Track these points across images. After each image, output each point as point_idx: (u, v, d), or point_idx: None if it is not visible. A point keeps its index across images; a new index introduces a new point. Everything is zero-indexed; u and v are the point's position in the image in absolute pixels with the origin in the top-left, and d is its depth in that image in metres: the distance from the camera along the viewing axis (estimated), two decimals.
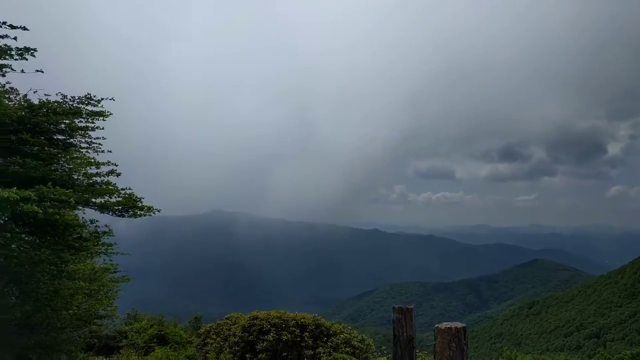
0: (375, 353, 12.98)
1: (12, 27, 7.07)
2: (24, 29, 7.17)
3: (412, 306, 3.00)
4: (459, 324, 2.73)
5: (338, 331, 12.33)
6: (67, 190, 7.09)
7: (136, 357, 12.69)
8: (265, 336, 11.52)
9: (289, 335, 11.47)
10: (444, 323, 2.66)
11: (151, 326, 15.45)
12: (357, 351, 11.60)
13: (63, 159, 8.68)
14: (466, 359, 2.64)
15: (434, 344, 2.74)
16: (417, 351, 12.98)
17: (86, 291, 10.31)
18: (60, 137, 8.73)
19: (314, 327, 12.01)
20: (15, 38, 7.20)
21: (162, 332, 15.34)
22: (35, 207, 6.11)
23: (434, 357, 2.69)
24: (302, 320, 12.10)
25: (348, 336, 12.08)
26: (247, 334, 12.05)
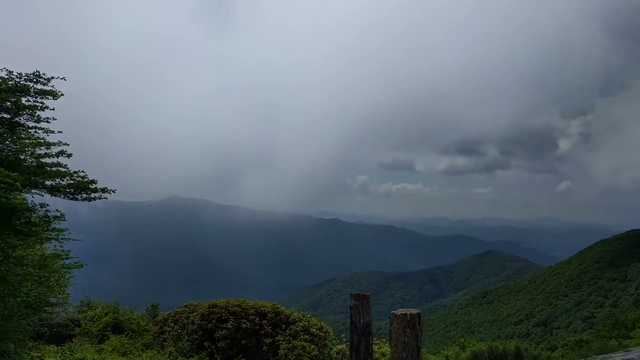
0: (334, 340, 13.13)
1: None
2: None
3: (369, 293, 3.04)
4: (414, 311, 2.81)
5: (297, 319, 12.39)
6: (13, 172, 6.71)
7: (90, 345, 12.31)
8: (224, 324, 11.45)
9: (248, 324, 11.43)
10: (400, 310, 2.77)
11: (106, 314, 14.98)
12: (316, 339, 11.70)
13: (9, 139, 8.19)
14: (420, 343, 2.66)
15: (390, 330, 2.81)
16: (376, 339, 13.20)
17: (35, 278, 9.85)
18: (5, 115, 8.23)
19: (273, 315, 12.03)
20: None
21: (117, 320, 14.92)
22: None
23: (390, 343, 2.71)
24: (261, 308, 12.08)
25: (307, 324, 12.16)
26: (205, 322, 11.93)
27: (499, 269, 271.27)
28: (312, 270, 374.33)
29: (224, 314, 11.77)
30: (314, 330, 12.00)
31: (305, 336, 11.56)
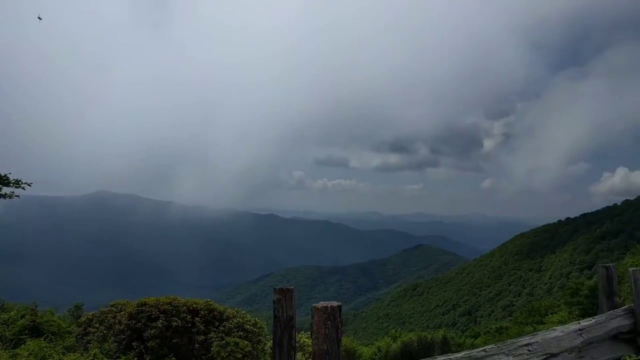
0: (268, 336, 13.09)
1: None
2: None
3: (292, 287, 2.97)
4: (335, 303, 2.80)
5: (231, 315, 12.20)
6: None
7: (3, 351, 11.41)
8: (154, 323, 11.02)
9: (179, 321, 11.09)
10: (321, 302, 2.79)
11: (22, 316, 13.92)
12: (250, 335, 11.59)
13: None
14: (341, 335, 2.74)
15: (311, 322, 2.82)
16: (302, 332, 13.38)
17: None
18: None
19: (206, 312, 11.76)
20: None
21: (35, 323, 13.91)
22: None
23: (311, 335, 2.76)
24: (194, 305, 11.76)
25: (241, 320, 12.00)
26: (134, 322, 11.42)
27: (429, 262, 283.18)
28: (248, 266, 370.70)
29: (154, 313, 11.32)
30: (248, 326, 11.88)
31: (239, 332, 11.41)
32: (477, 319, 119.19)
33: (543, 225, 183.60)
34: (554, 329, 3.52)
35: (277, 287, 3.04)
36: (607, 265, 4.26)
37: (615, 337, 4.03)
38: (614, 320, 4.00)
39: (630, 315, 4.13)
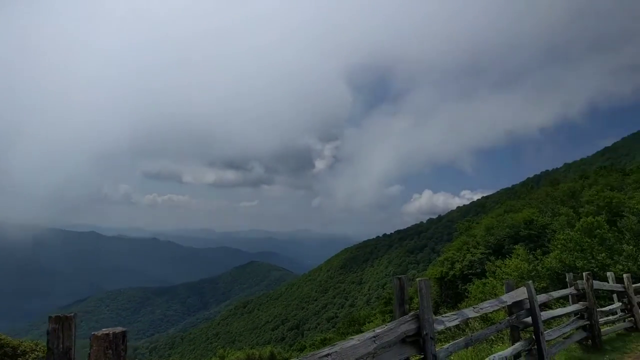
0: None
1: None
2: None
3: (72, 314, 2.62)
4: (119, 329, 2.51)
5: (28, 350, 10.61)
6: None
7: None
8: None
9: None
10: (103, 330, 2.53)
11: None
12: None
13: None
14: None
15: (89, 353, 2.53)
16: None
17: None
18: None
19: None
20: None
21: None
22: None
23: None
24: None
25: (41, 354, 10.51)
26: None
27: (261, 279, 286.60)
28: (60, 290, 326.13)
29: None
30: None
31: None
32: (304, 332, 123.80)
33: (364, 241, 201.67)
34: (352, 338, 3.88)
35: (52, 315, 2.72)
36: (399, 276, 4.86)
37: (404, 340, 4.61)
38: (403, 325, 4.57)
39: (416, 320, 4.77)
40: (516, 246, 30.34)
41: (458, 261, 39.06)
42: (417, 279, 5.01)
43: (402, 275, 4.91)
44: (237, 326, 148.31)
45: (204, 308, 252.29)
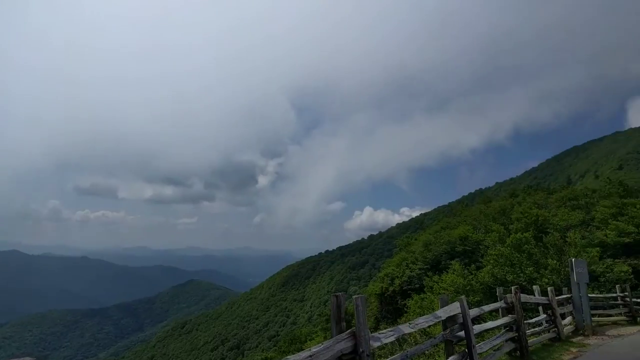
0: None
1: None
2: None
3: None
4: (28, 359, 2.30)
5: None
6: None
7: None
8: None
9: None
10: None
11: None
12: None
13: None
14: None
15: None
16: None
17: None
18: None
19: None
20: None
21: None
22: None
23: None
24: None
25: None
26: None
27: (200, 298, 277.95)
28: None
29: None
30: None
31: None
32: (245, 352, 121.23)
33: (307, 258, 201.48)
34: (288, 358, 3.81)
35: None
36: (337, 294, 4.86)
37: (340, 358, 4.59)
38: (339, 343, 4.56)
39: (352, 337, 4.78)
40: (452, 262, 31.53)
41: (397, 277, 39.91)
42: (354, 296, 5.04)
43: (340, 293, 4.91)
44: (174, 348, 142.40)
45: (139, 329, 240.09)
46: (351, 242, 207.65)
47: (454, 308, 7.63)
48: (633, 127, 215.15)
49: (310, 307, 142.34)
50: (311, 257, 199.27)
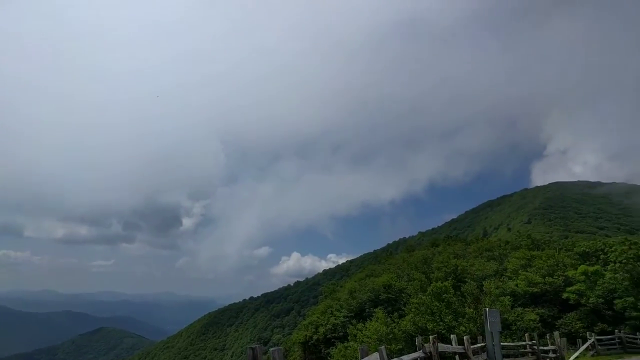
0: None
1: None
2: None
3: None
4: None
5: None
6: None
7: None
8: None
9: None
10: None
11: None
12: None
13: None
14: None
15: None
16: None
17: None
18: None
19: None
20: None
21: None
22: None
23: None
24: None
25: None
26: None
27: (111, 347, 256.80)
28: None
29: None
30: None
31: None
32: None
33: (229, 304, 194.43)
34: None
35: None
36: (253, 346, 4.68)
37: None
38: None
39: None
40: (376, 309, 31.86)
41: (322, 325, 39.48)
42: (271, 349, 4.88)
43: (256, 345, 4.74)
44: None
45: None
46: (277, 288, 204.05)
47: (374, 358, 7.62)
48: (539, 185, 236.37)
49: (232, 356, 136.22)
50: (235, 303, 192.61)
